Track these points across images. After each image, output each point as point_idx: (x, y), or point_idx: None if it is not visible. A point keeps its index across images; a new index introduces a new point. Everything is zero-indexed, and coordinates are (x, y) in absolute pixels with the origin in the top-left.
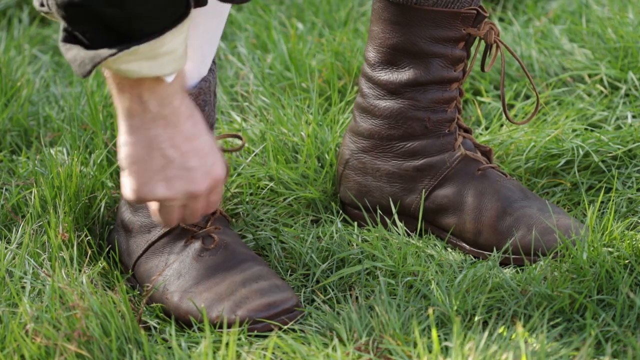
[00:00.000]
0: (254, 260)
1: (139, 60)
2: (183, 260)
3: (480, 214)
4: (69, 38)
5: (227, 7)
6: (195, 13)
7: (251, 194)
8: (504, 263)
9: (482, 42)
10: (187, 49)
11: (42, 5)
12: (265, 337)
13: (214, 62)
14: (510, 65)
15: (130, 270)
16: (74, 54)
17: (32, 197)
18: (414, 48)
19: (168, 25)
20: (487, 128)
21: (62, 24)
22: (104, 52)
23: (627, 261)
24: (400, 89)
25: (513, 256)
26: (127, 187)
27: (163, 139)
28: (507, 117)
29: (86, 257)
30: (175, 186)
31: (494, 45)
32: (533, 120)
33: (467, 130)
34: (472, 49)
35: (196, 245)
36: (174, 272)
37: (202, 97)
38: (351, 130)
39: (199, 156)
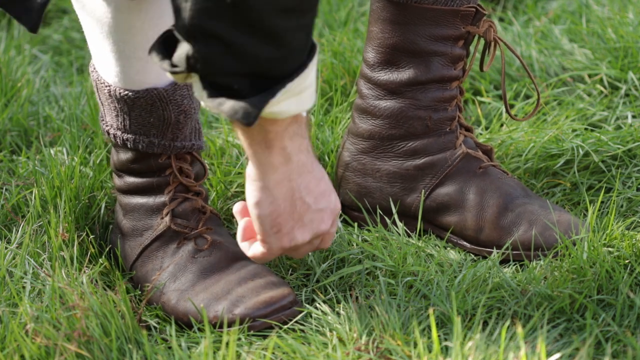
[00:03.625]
0: (248, 259)
1: (288, 98)
2: (177, 263)
3: (482, 211)
4: (215, 92)
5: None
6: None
7: None
8: (505, 260)
9: (482, 40)
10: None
11: (173, 65)
12: (265, 336)
13: None
14: (510, 65)
15: (132, 272)
16: (231, 106)
17: (32, 197)
18: (414, 47)
19: (309, 57)
20: (487, 128)
21: (205, 80)
22: (262, 97)
23: (627, 261)
24: (400, 88)
25: (514, 252)
26: (273, 244)
27: (302, 187)
28: (509, 114)
29: (86, 257)
30: (309, 229)
31: (493, 43)
32: (533, 120)
33: (468, 129)
34: (472, 47)
35: (189, 247)
36: (169, 276)
37: (179, 92)
38: (350, 132)
39: (326, 197)
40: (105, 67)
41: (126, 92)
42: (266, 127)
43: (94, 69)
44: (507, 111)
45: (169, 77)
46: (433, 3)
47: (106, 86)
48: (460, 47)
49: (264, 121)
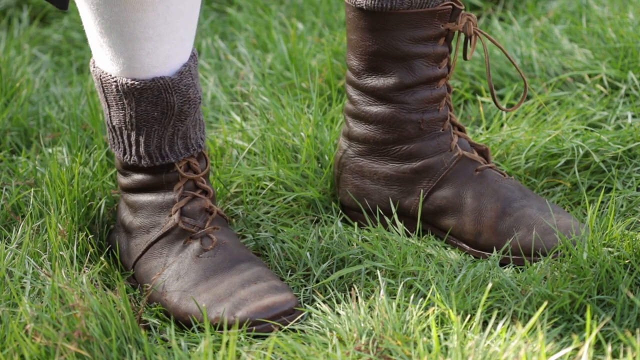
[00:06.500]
0: (253, 261)
1: None
2: (182, 261)
3: (480, 215)
4: None
5: None
6: None
7: (251, 194)
8: (504, 263)
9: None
10: (164, 31)
11: None
12: (265, 337)
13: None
14: (510, 65)
15: (130, 270)
16: None
17: (32, 197)
18: (396, 52)
19: None
20: (487, 128)
21: None
22: None
23: (627, 261)
24: (388, 94)
25: (513, 256)
26: None
27: None
28: (497, 105)
29: (86, 257)
30: None
31: (475, 36)
32: (533, 120)
33: (460, 129)
34: (454, 42)
35: (195, 246)
36: (172, 273)
37: (184, 81)
38: (345, 135)
39: None
40: (110, 57)
41: (134, 82)
42: None
43: (95, 65)
44: (494, 102)
45: (176, 67)
46: (409, 7)
47: (112, 79)
48: (442, 45)
49: None
